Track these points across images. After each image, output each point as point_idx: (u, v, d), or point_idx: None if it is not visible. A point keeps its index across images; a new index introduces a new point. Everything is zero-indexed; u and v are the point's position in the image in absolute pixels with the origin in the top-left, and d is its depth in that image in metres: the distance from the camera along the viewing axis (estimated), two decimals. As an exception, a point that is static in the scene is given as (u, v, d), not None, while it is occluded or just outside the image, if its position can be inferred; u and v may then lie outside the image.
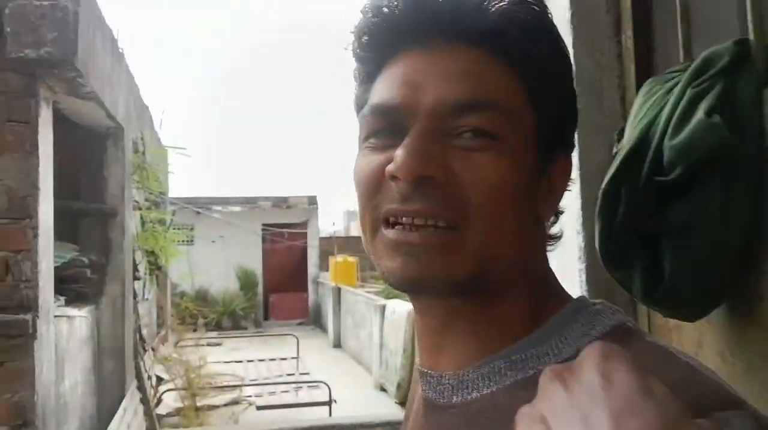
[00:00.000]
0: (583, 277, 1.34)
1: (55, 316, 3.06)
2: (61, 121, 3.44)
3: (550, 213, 0.55)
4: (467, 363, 0.52)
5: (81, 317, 3.69)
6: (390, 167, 0.48)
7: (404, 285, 0.50)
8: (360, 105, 0.56)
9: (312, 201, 17.05)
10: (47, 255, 2.84)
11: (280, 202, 16.65)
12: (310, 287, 16.49)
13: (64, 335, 3.30)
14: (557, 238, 0.58)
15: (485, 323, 0.52)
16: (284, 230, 16.13)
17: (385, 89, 0.53)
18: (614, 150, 1.23)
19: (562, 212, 0.58)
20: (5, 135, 2.65)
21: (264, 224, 16.11)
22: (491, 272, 0.49)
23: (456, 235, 0.48)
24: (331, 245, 16.98)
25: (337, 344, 12.53)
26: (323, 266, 16.09)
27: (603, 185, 1.07)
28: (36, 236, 2.69)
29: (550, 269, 0.56)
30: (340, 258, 14.27)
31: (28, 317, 2.61)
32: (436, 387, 0.54)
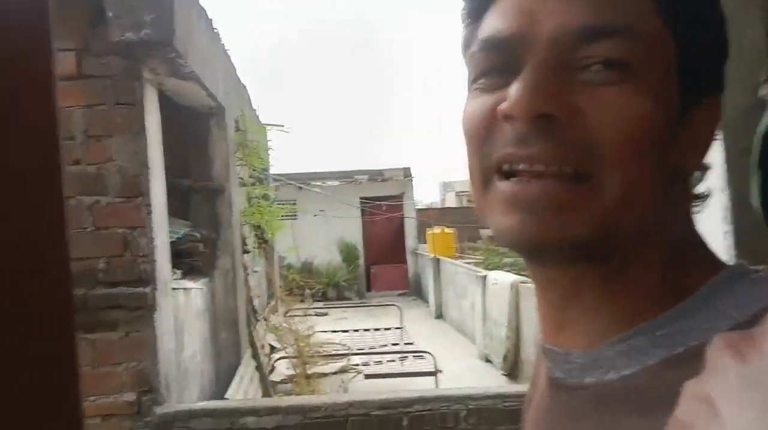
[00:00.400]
0: (729, 240, 1.17)
1: (173, 288, 3.22)
2: (166, 103, 3.57)
3: (694, 165, 0.46)
4: (599, 339, 0.45)
5: (197, 289, 3.86)
6: (503, 106, 0.42)
7: (521, 246, 0.44)
8: (467, 46, 0.49)
9: (407, 173, 17.06)
10: (162, 230, 2.97)
11: (376, 176, 16.79)
12: (409, 258, 16.60)
13: (181, 307, 3.47)
14: (704, 197, 0.48)
15: (618, 294, 0.45)
16: (381, 202, 16.25)
17: (496, 21, 0.45)
18: (762, 91, 1.05)
19: (709, 168, 0.48)
20: (114, 117, 2.77)
21: (361, 198, 16.32)
22: (623, 231, 0.42)
23: (582, 187, 0.41)
24: (427, 217, 16.97)
25: (439, 315, 12.56)
26: (421, 237, 16.12)
27: (761, 128, 0.90)
28: (150, 212, 2.81)
29: (697, 232, 0.47)
30: (437, 229, 14.24)
31: (148, 289, 2.75)
32: (563, 366, 0.47)
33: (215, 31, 4.22)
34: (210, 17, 4.03)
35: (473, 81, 0.47)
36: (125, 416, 2.72)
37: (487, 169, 0.45)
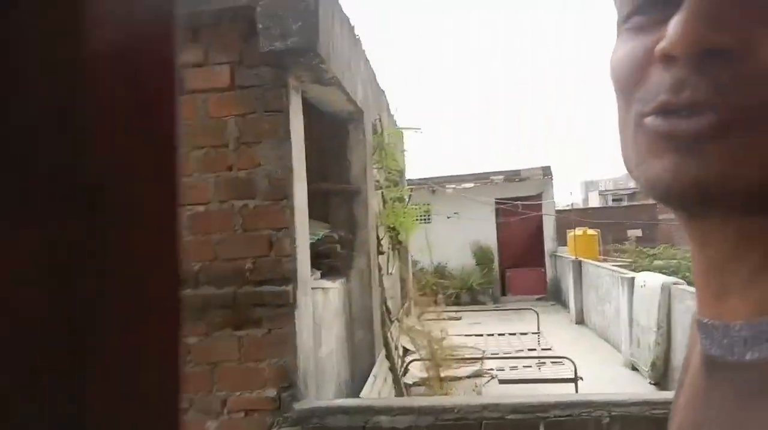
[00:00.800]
0: None
1: (312, 287, 3.34)
2: (309, 109, 3.72)
3: None
4: (766, 308, 0.38)
5: (334, 288, 3.99)
6: (662, 44, 0.35)
7: (675, 193, 0.36)
8: None
9: (546, 172, 16.45)
10: (303, 232, 3.09)
11: (513, 176, 16.37)
12: (547, 261, 16.01)
13: (320, 305, 3.60)
14: None
15: None
16: (517, 202, 15.83)
17: None
18: None
19: None
20: (263, 124, 2.92)
21: (497, 199, 16.01)
22: None
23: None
24: (568, 218, 16.27)
25: (580, 321, 11.98)
26: (560, 239, 15.50)
27: None
28: (293, 214, 2.93)
29: None
30: (579, 231, 13.62)
31: (290, 288, 2.87)
32: (721, 341, 0.40)
33: (357, 37, 4.33)
34: (352, 24, 4.14)
35: (624, 19, 0.40)
36: (266, 411, 2.86)
37: (639, 118, 0.38)
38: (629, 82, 0.39)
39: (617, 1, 0.42)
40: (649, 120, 0.37)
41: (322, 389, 3.55)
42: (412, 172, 8.58)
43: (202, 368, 2.89)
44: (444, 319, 9.42)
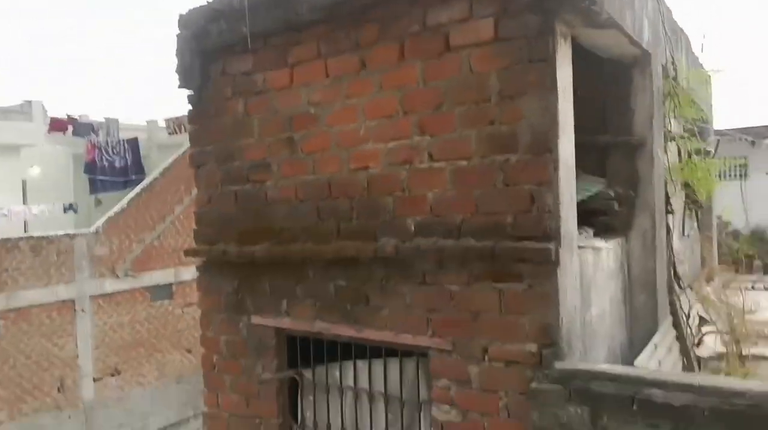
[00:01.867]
0: None
1: (580, 246, 3.18)
2: (583, 55, 3.47)
3: None
4: None
5: (607, 248, 3.73)
6: None
7: None
8: None
9: None
10: (568, 187, 2.94)
11: None
12: None
13: (589, 265, 3.41)
14: None
15: None
16: None
17: None
18: None
19: None
20: (527, 75, 2.82)
21: None
22: None
23: None
24: None
25: None
26: None
27: None
28: (556, 169, 2.80)
29: None
30: None
31: (551, 245, 2.77)
32: None
33: (641, -30, 3.86)
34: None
35: None
36: (527, 365, 2.85)
37: None
38: None
39: None
40: None
41: (592, 351, 3.40)
42: (722, 122, 7.41)
43: (463, 316, 3.01)
44: (758, 289, 8.08)
